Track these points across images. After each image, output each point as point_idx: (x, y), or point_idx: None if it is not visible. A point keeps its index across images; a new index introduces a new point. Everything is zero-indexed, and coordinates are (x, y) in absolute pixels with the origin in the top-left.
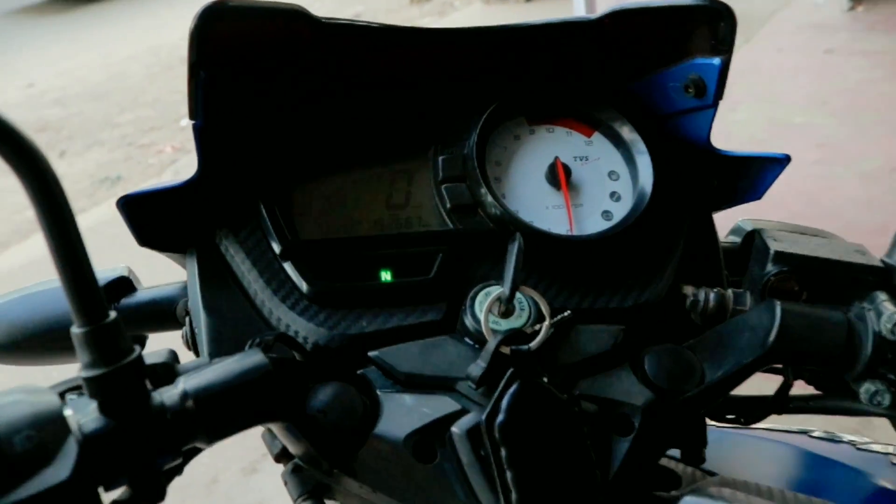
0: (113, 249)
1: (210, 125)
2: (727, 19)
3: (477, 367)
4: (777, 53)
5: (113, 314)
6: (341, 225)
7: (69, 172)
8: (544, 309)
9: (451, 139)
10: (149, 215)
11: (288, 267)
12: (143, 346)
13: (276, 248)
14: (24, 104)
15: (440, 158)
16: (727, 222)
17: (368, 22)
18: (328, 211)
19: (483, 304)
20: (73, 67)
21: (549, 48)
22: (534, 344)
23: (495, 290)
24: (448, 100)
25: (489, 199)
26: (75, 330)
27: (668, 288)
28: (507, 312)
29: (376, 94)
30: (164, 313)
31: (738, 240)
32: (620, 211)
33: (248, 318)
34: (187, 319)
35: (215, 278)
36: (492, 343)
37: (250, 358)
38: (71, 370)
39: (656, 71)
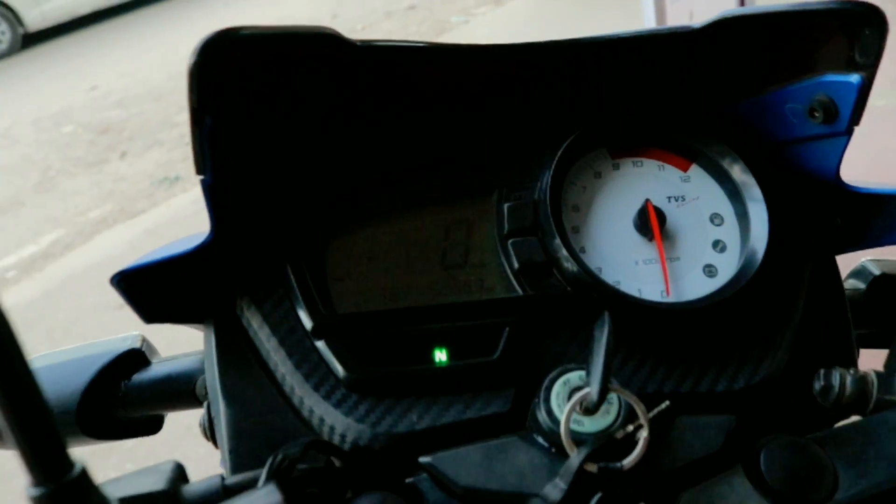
0: None
1: (222, 179)
2: (875, 25)
3: (555, 490)
4: None
5: (79, 467)
6: (386, 292)
7: (129, 173)
8: (640, 413)
9: (519, 180)
10: (154, 289)
11: (322, 347)
12: (159, 427)
13: (308, 323)
14: (88, 106)
15: (505, 206)
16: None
17: (411, 42)
18: (369, 275)
19: (561, 396)
20: (134, 69)
21: (638, 64)
22: (628, 462)
23: (575, 377)
24: (514, 131)
25: (565, 254)
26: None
27: (787, 361)
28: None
29: (424, 129)
30: (183, 390)
31: (861, 285)
32: (726, 265)
33: (274, 408)
34: (206, 404)
35: (236, 358)
36: (574, 459)
37: (263, 499)
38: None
39: (770, 89)
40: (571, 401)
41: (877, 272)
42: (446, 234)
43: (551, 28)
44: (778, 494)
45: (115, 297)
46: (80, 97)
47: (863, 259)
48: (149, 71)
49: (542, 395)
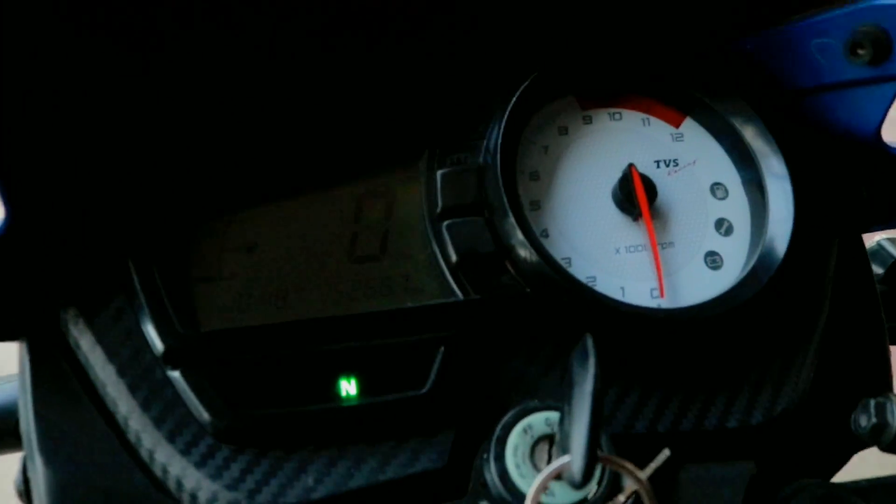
0: None
1: (18, 134)
2: None
3: None
4: None
5: None
6: (271, 298)
7: None
8: (642, 489)
9: (457, 138)
10: None
11: (178, 379)
12: None
13: (158, 345)
14: None
15: (439, 174)
16: None
17: None
18: (249, 274)
19: (520, 451)
20: None
21: None
22: None
23: (539, 421)
24: (449, 72)
25: (522, 240)
26: None
27: (811, 381)
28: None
29: (322, 63)
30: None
31: (878, 270)
32: (733, 253)
33: (114, 469)
34: (22, 456)
35: (59, 394)
36: None
37: None
38: None
39: (793, 19)
40: (543, 473)
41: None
42: (357, 213)
43: None
44: None
45: None
46: None
47: (877, 238)
48: None
49: (493, 447)
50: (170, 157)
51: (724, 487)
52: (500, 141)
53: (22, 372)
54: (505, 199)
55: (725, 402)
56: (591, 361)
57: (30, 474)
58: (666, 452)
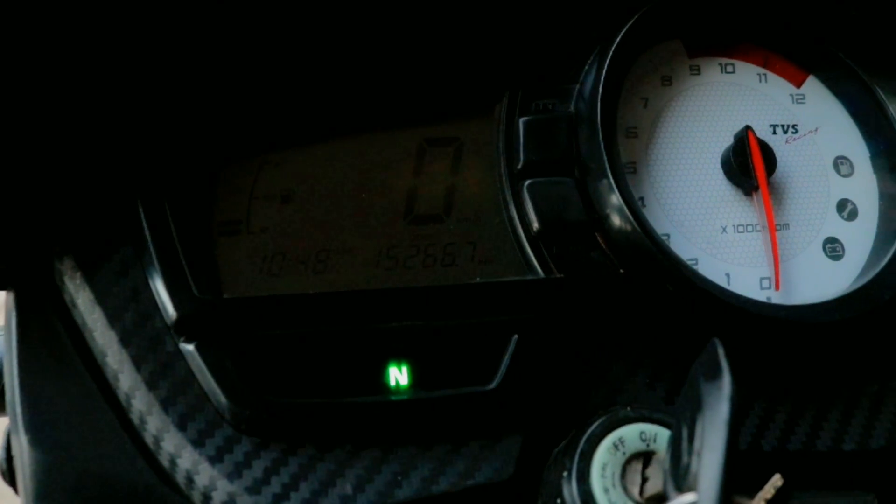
0: None
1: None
2: None
3: None
4: None
5: None
6: (309, 262)
7: None
8: None
9: (543, 81)
10: None
11: (191, 354)
12: None
13: (170, 311)
14: None
15: (521, 121)
16: None
17: None
18: (283, 226)
19: (609, 469)
20: None
21: None
22: None
23: (633, 433)
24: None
25: (619, 206)
26: None
27: None
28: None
29: None
30: None
31: None
32: (856, 241)
33: (112, 454)
34: (5, 429)
35: (50, 361)
36: None
37: None
38: None
39: None
40: (620, 457)
41: None
42: (418, 163)
43: None
44: None
45: None
46: None
47: None
48: None
49: (575, 464)
50: (192, 80)
51: None
52: (601, 88)
53: (7, 329)
54: (605, 158)
55: (840, 420)
56: (727, 380)
57: (13, 451)
58: (778, 479)
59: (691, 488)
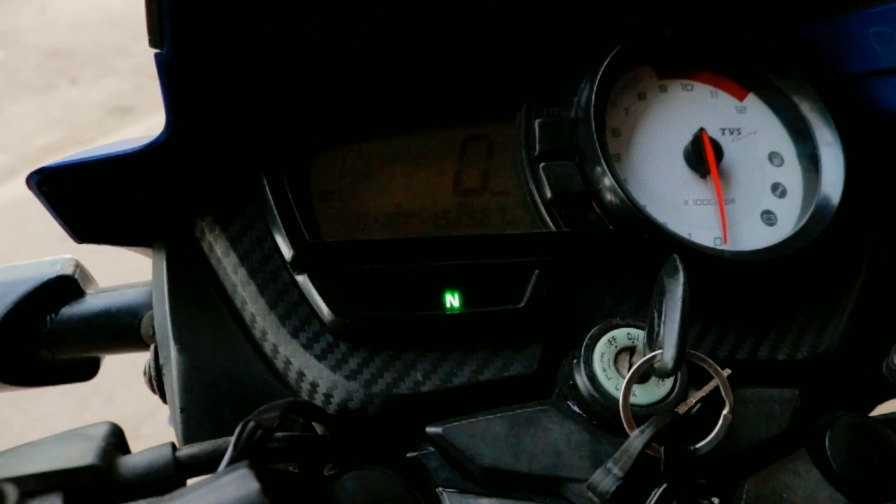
0: None
1: (185, 55)
2: None
3: (608, 477)
4: None
5: None
6: (384, 217)
7: (80, 101)
8: (722, 387)
9: (552, 94)
10: (90, 198)
11: (303, 282)
12: (94, 372)
13: (287, 251)
14: (37, 29)
15: (537, 123)
16: None
17: None
18: (365, 195)
19: (606, 357)
20: None
21: None
22: (704, 445)
23: (622, 335)
24: (546, 37)
25: (610, 184)
26: None
27: (850, 327)
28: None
29: (440, 25)
30: (124, 329)
31: None
32: (787, 213)
33: (240, 357)
34: (153, 347)
35: (193, 292)
36: (637, 440)
37: (234, 486)
38: None
39: (847, 9)
40: (634, 366)
41: None
42: (462, 152)
43: None
44: (848, 483)
45: (59, 227)
46: (28, 19)
47: None
48: None
49: (581, 354)
50: (302, 87)
51: (774, 407)
52: (593, 97)
53: (158, 273)
54: (598, 148)
55: (775, 338)
56: (681, 273)
57: (162, 362)
58: (727, 372)
59: (660, 347)
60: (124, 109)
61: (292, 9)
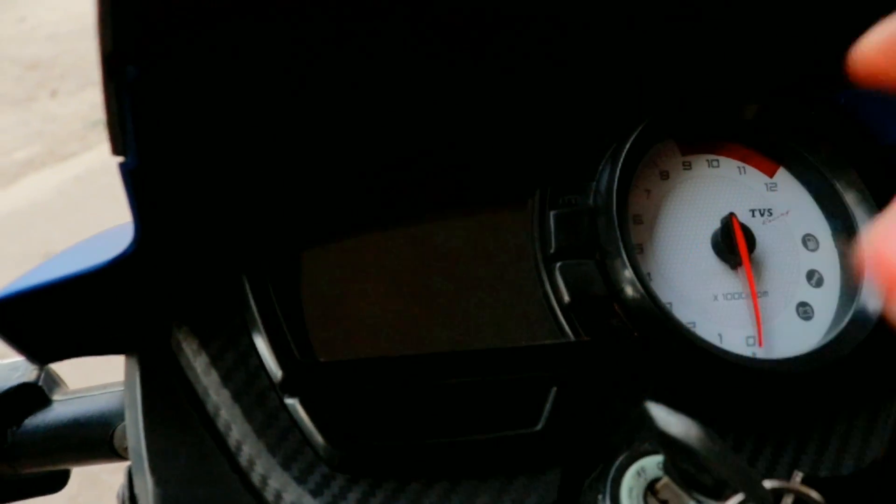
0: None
1: (150, 162)
2: None
3: None
4: None
5: None
6: (385, 329)
7: (60, 113)
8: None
9: (568, 180)
10: (50, 319)
11: (294, 407)
12: (62, 484)
13: (276, 372)
14: (16, 39)
15: (552, 214)
16: None
17: None
18: (361, 299)
19: (635, 493)
20: (66, 2)
21: (716, 28)
22: None
23: (652, 464)
24: (560, 114)
25: (632, 280)
26: None
27: (894, 435)
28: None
29: (439, 103)
30: (96, 440)
31: None
32: (823, 304)
33: (225, 489)
34: (127, 469)
35: (171, 413)
36: None
37: None
38: None
39: None
40: (641, 480)
41: None
42: (468, 254)
43: None
44: None
45: (41, 246)
46: (6, 29)
47: None
48: (83, 4)
49: (608, 487)
50: (284, 180)
51: None
52: (616, 183)
53: (130, 387)
54: (621, 242)
55: (816, 452)
56: (676, 416)
57: (137, 490)
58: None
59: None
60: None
61: (274, 106)
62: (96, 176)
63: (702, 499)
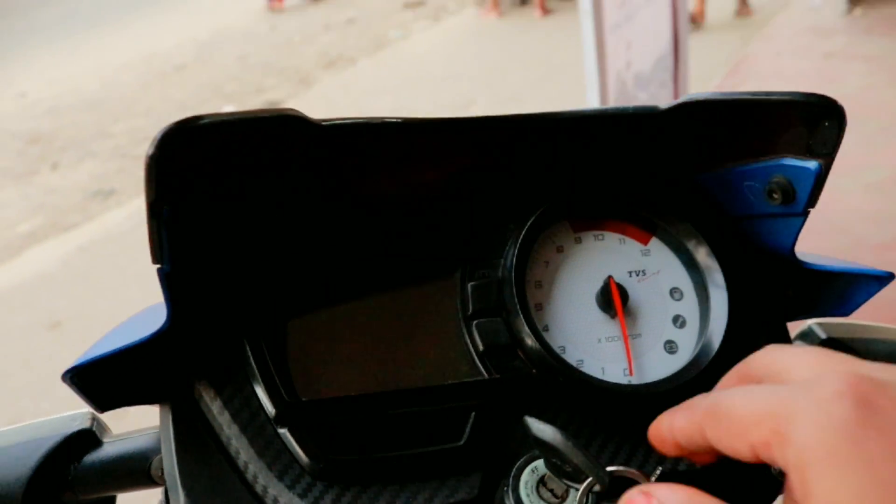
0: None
1: (180, 267)
2: (834, 118)
3: None
4: (776, 58)
5: None
6: (348, 375)
7: (62, 186)
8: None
9: (483, 256)
10: (108, 379)
11: (285, 434)
12: None
13: (271, 410)
14: (17, 114)
15: (470, 285)
16: None
17: (379, 118)
18: (330, 357)
19: (529, 484)
20: (65, 76)
21: (603, 139)
22: None
23: (541, 464)
24: (478, 205)
25: (528, 333)
26: None
27: None
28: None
29: (389, 205)
30: (137, 471)
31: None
32: (686, 341)
33: (237, 497)
34: (163, 489)
35: (195, 444)
36: None
37: None
38: None
39: (730, 166)
40: (535, 476)
41: (823, 336)
42: (410, 315)
43: (489, 45)
44: None
45: (46, 316)
46: (7, 104)
47: (809, 322)
48: (81, 79)
49: (510, 483)
50: (276, 270)
51: None
52: (515, 259)
53: (165, 428)
54: (518, 304)
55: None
56: (541, 424)
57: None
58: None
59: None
60: (106, 192)
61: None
62: (99, 246)
63: (570, 483)
